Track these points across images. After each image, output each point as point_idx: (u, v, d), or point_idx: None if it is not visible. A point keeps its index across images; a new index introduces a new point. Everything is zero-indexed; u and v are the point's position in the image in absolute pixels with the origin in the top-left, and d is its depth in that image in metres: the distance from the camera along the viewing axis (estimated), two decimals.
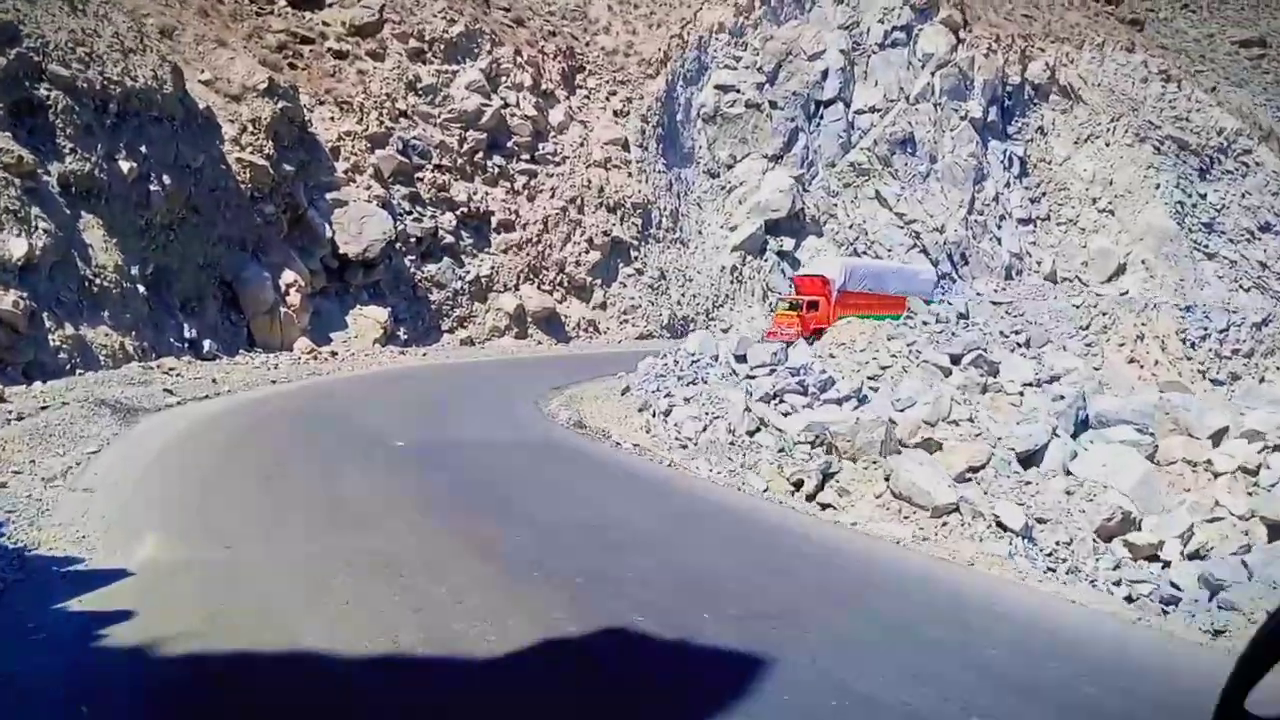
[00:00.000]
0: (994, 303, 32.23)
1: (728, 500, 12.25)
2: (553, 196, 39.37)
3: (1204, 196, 52.99)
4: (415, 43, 37.64)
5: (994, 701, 5.73)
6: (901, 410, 19.12)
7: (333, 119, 33.92)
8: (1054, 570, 11.94)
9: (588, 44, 46.32)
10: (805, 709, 5.54)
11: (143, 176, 23.72)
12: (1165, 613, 11.31)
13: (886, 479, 13.60)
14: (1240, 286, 51.10)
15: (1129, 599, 11.70)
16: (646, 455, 14.79)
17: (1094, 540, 13.22)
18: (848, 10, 51.78)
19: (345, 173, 33.00)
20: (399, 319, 32.64)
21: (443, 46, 38.17)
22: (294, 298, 28.58)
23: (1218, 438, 18.67)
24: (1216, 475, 17.43)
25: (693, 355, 23.05)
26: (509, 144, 38.85)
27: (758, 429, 16.38)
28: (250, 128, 29.14)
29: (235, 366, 23.93)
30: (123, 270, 22.02)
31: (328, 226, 31.22)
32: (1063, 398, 21.44)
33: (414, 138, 35.75)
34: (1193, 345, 29.07)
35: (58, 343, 18.92)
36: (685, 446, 15.63)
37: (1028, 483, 14.94)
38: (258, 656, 6.02)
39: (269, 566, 7.92)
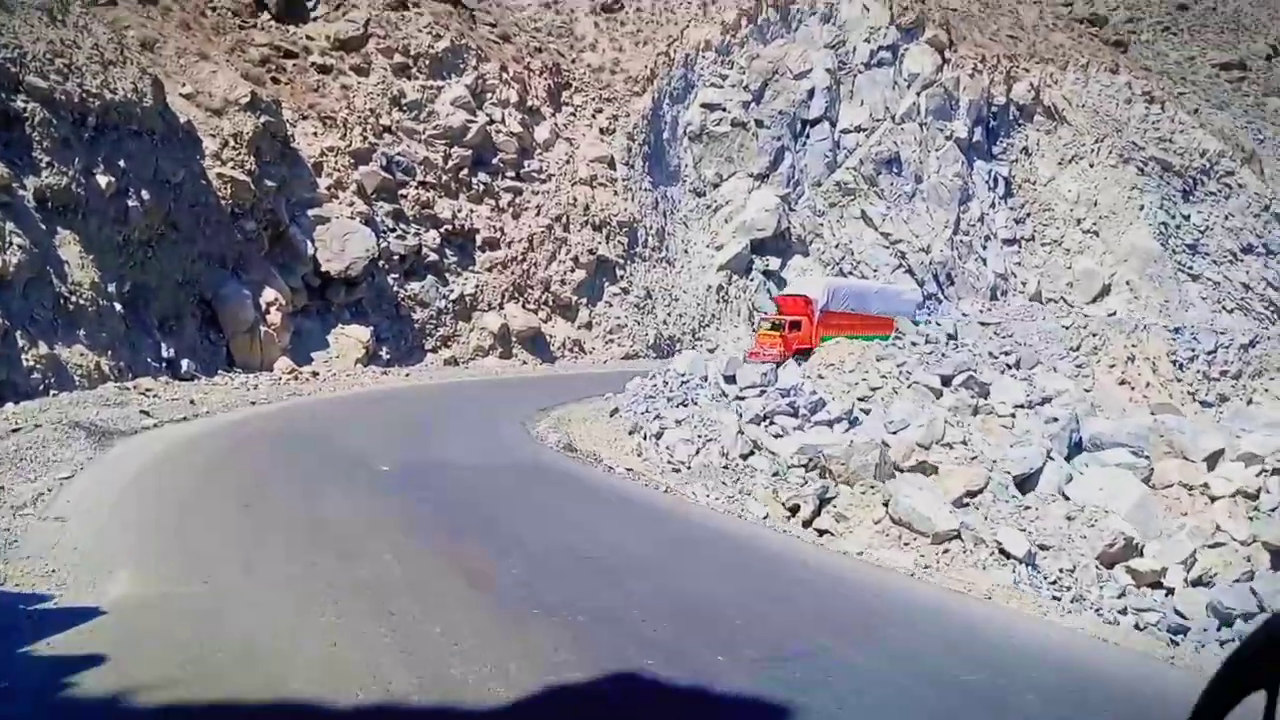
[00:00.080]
0: (982, 323, 32.16)
1: (727, 528, 11.89)
2: (538, 214, 39.05)
3: (1187, 218, 53.22)
4: (400, 58, 37.33)
5: None
6: (894, 432, 18.84)
7: (316, 134, 33.51)
8: (1059, 599, 11.65)
9: (574, 61, 46.16)
10: None
11: (121, 191, 23.23)
12: (1174, 642, 11.02)
13: (885, 504, 13.29)
14: (1224, 308, 51.27)
15: (1137, 627, 11.41)
16: (640, 480, 14.41)
17: (1097, 567, 12.94)
18: (834, 30, 51.87)
19: (328, 189, 32.57)
20: (381, 338, 32.15)
21: (428, 62, 37.87)
22: (274, 316, 28.08)
23: (1213, 461, 18.45)
24: (1214, 499, 17.20)
25: (682, 376, 22.72)
26: (494, 161, 38.53)
27: (751, 452, 16.05)
28: (232, 142, 28.71)
29: (214, 387, 23.41)
30: (99, 288, 21.51)
31: (309, 244, 30.75)
32: (1056, 420, 21.23)
33: (398, 154, 35.38)
34: (1181, 367, 29.03)
35: (31, 362, 18.39)
36: (678, 470, 15.27)
37: (1027, 507, 14.66)
38: (240, 708, 5.60)
39: (250, 603, 7.47)
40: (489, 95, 39.20)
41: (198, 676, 5.86)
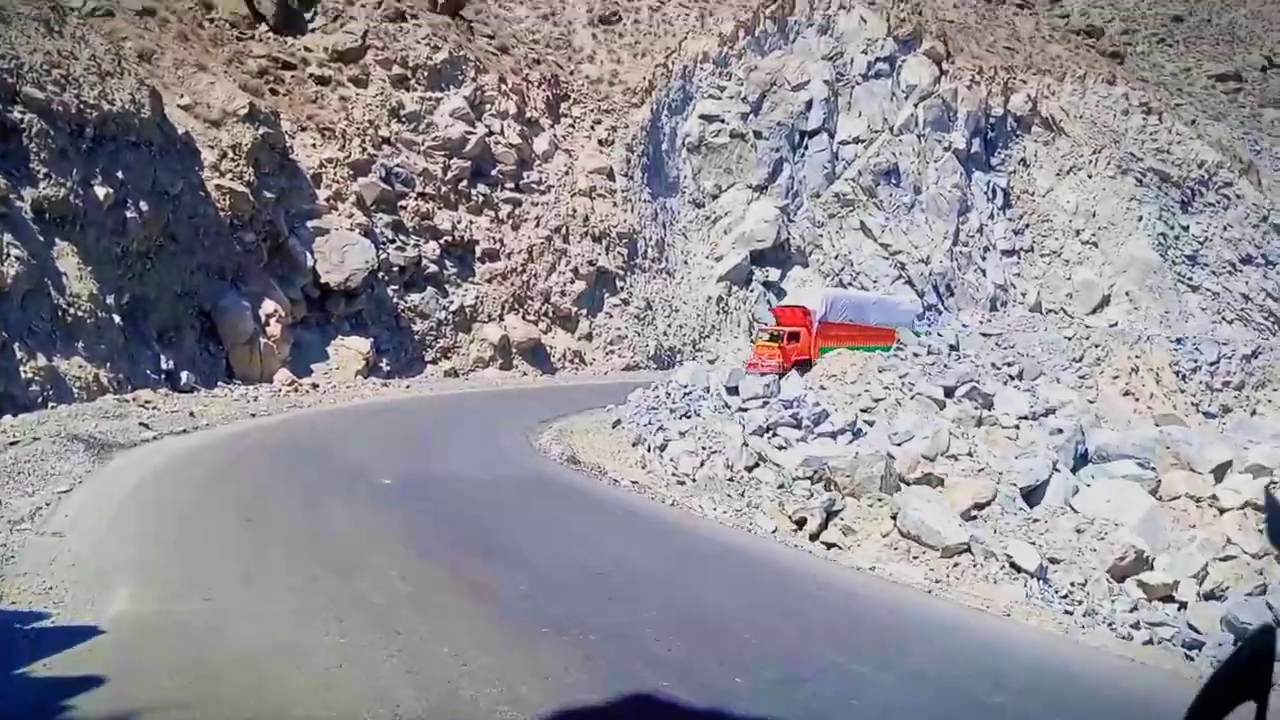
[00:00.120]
0: (984, 334, 32.03)
1: (736, 542, 11.69)
2: (537, 225, 38.96)
3: (1186, 228, 53.25)
4: (399, 69, 37.27)
5: None
6: (899, 444, 18.70)
7: (314, 146, 33.41)
8: (1071, 613, 11.49)
9: (572, 73, 46.15)
10: None
11: (119, 203, 23.09)
12: (1190, 658, 10.86)
13: (893, 517, 13.15)
14: (1224, 318, 51.24)
15: (1149, 642, 11.25)
16: (647, 493, 14.21)
17: (1108, 581, 12.79)
18: (831, 41, 51.94)
19: (327, 200, 32.45)
20: (381, 350, 31.99)
21: (426, 73, 37.81)
22: (274, 328, 27.92)
23: (1220, 472, 18.33)
24: (1222, 511, 17.07)
25: (684, 387, 22.57)
26: (493, 172, 38.46)
27: (756, 464, 15.90)
28: (230, 154, 28.59)
29: (214, 399, 23.23)
30: (98, 299, 21.35)
31: (309, 255, 30.61)
32: (1061, 431, 21.09)
33: (397, 165, 35.29)
34: (1184, 378, 28.91)
35: (29, 374, 18.22)
36: (683, 483, 15.11)
37: (1035, 520, 14.52)
38: None
39: (252, 620, 7.26)
40: (488, 107, 39.15)
41: (199, 699, 5.69)
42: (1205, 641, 11.45)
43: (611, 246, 40.76)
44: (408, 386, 30.38)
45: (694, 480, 15.15)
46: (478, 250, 36.65)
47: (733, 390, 22.69)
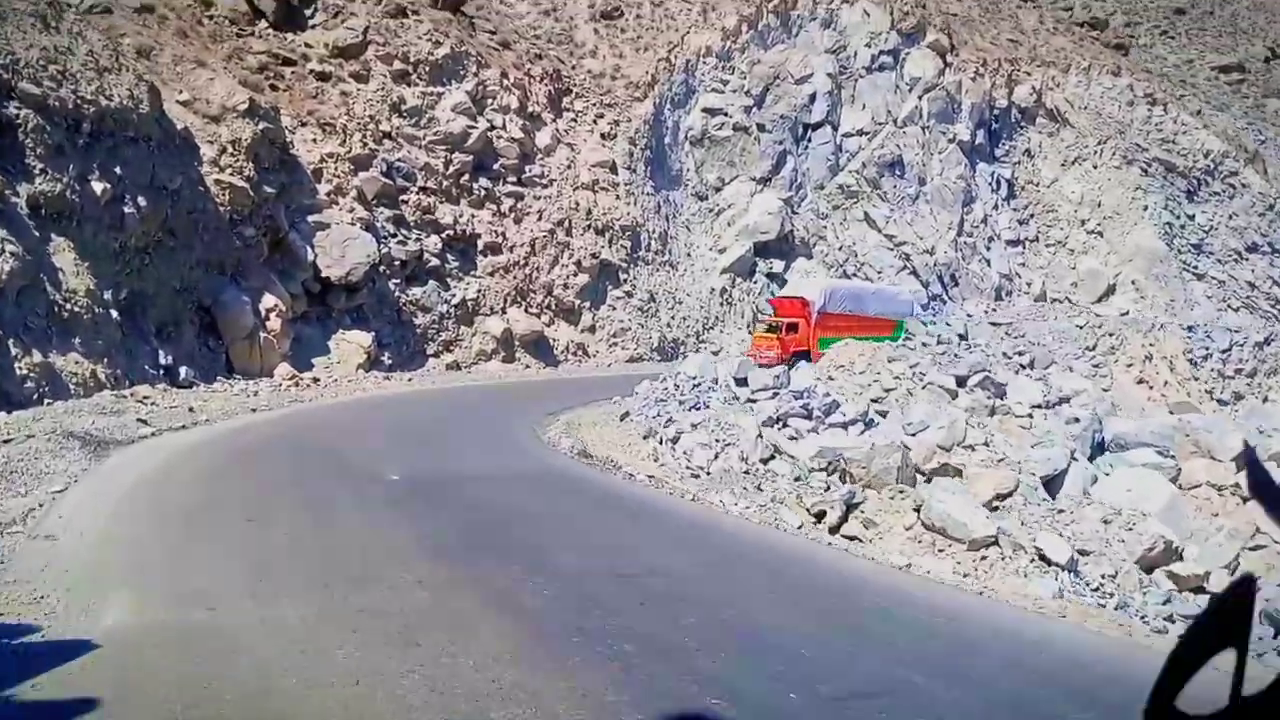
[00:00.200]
0: (993, 324, 31.68)
1: (766, 540, 11.13)
2: (540, 219, 38.58)
3: (1192, 218, 52.84)
4: (400, 64, 36.88)
5: None
6: (914, 434, 18.34)
7: (315, 141, 33.04)
8: (1104, 606, 11.11)
9: (574, 67, 45.74)
10: None
11: (117, 198, 22.73)
12: None
13: (916, 510, 12.77)
14: (1229, 306, 50.83)
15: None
16: (665, 488, 13.72)
17: (1138, 572, 12.42)
18: (834, 35, 51.51)
19: (328, 195, 32.08)
20: (383, 344, 31.63)
21: (427, 68, 37.42)
22: (274, 323, 27.56)
23: (1241, 460, 17.98)
24: (1246, 500, 16.73)
25: (693, 379, 22.20)
26: (495, 166, 38.07)
27: (772, 456, 15.52)
28: (230, 149, 28.22)
29: (213, 394, 22.87)
30: (95, 295, 20.99)
31: (309, 250, 30.25)
32: (1078, 420, 20.76)
33: (398, 160, 34.91)
34: (1196, 365, 28.56)
35: (25, 371, 17.86)
36: (697, 476, 14.73)
37: (1060, 511, 14.14)
38: None
39: (260, 634, 6.69)
40: (489, 101, 38.76)
41: None
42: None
43: (614, 239, 40.38)
44: (410, 380, 30.02)
45: (709, 473, 14.76)
46: (480, 244, 36.28)
47: (742, 382, 22.34)
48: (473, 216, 36.43)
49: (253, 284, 27.67)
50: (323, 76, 35.13)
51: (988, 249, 51.10)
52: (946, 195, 50.16)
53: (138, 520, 10.39)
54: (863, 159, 49.51)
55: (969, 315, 42.42)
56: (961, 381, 23.46)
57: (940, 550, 11.90)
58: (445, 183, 36.00)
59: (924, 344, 27.55)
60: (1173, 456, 18.63)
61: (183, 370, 23.57)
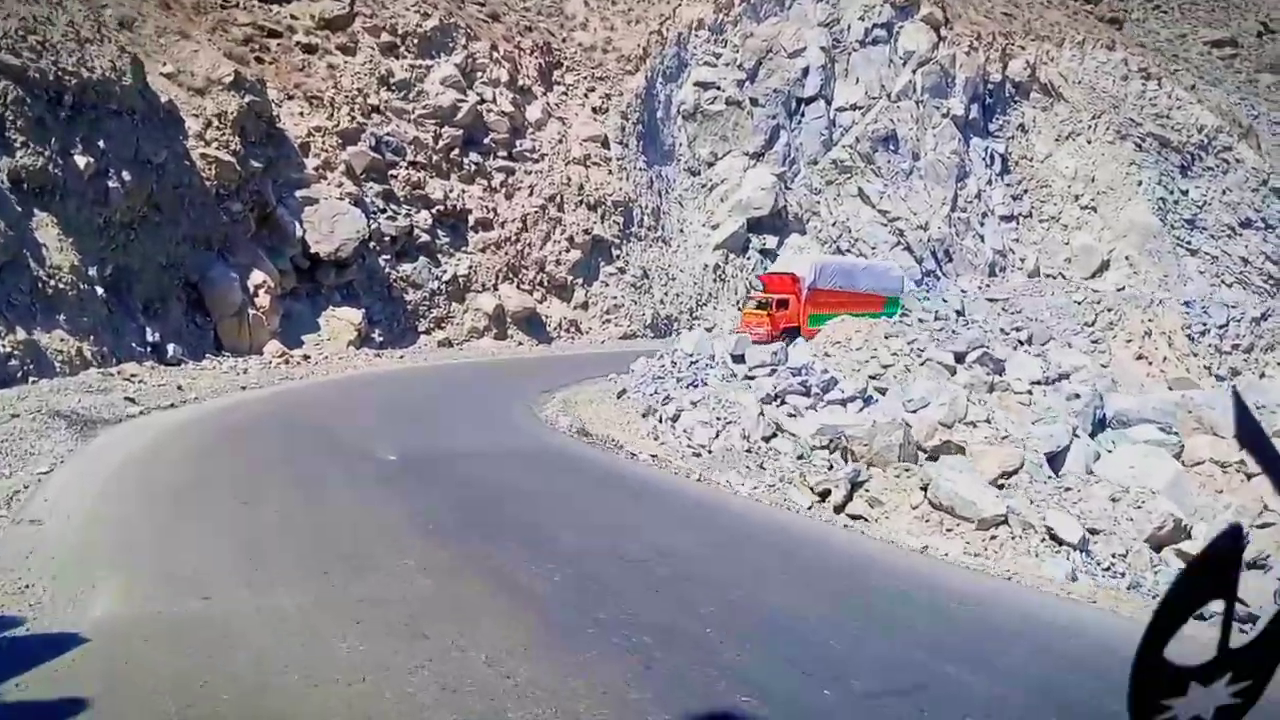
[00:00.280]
0: (990, 299, 31.49)
1: (778, 521, 10.83)
2: (531, 194, 38.11)
3: (1185, 193, 52.64)
4: (388, 36, 36.27)
5: None
6: (914, 411, 18.11)
7: (302, 114, 32.48)
8: (1127, 588, 10.91)
9: (565, 40, 45.09)
10: None
11: (101, 172, 22.23)
12: (1244, 631, 10.27)
13: (924, 488, 12.53)
14: (1223, 282, 50.75)
15: (1201, 617, 10.70)
16: (669, 467, 13.41)
17: (1149, 551, 12.23)
18: (827, 7, 50.89)
19: (316, 170, 31.56)
20: (374, 320, 31.23)
21: (416, 41, 36.81)
22: (263, 299, 27.13)
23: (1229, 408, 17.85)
24: (1250, 476, 16.58)
25: (690, 356, 21.91)
26: (485, 141, 37.55)
27: (774, 434, 15.26)
28: (215, 122, 27.67)
29: (202, 372, 22.48)
30: (79, 271, 20.54)
31: (298, 225, 29.77)
32: (1078, 396, 20.57)
33: (387, 134, 34.38)
34: (1193, 341, 28.44)
35: (8, 349, 17.44)
36: (698, 454, 14.46)
37: (1067, 489, 13.92)
38: None
39: (258, 625, 6.35)
40: (479, 74, 38.19)
41: None
42: (1258, 615, 10.87)
43: (607, 215, 39.94)
44: (401, 357, 29.67)
45: (710, 452, 14.49)
46: (471, 219, 35.82)
47: (739, 358, 22.07)
48: (463, 192, 35.95)
49: (240, 260, 27.21)
50: (309, 49, 34.52)
51: (981, 225, 50.84)
52: (940, 170, 49.82)
53: (126, 503, 10.05)
54: (856, 134, 49.08)
55: (963, 291, 42.27)
56: (960, 358, 23.25)
57: (948, 530, 11.68)
58: (435, 157, 35.50)
59: (921, 320, 27.33)
60: (1175, 433, 18.46)
61: (170, 348, 23.16)
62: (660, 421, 16.48)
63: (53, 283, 19.56)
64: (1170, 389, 24.47)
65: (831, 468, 14.44)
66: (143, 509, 9.83)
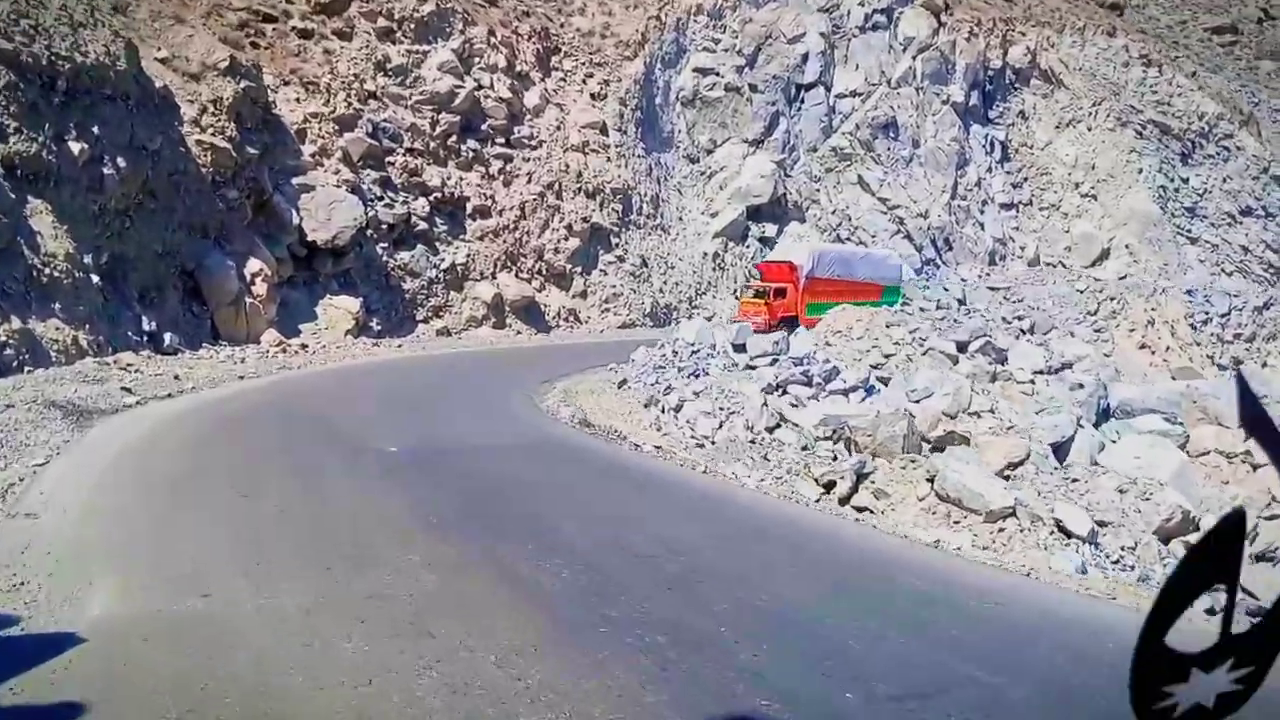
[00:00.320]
0: (991, 288, 31.34)
1: (787, 514, 10.66)
2: (529, 181, 37.86)
3: (1186, 181, 52.43)
4: (384, 21, 35.95)
5: None
6: (917, 401, 17.99)
7: (298, 100, 32.21)
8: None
9: (562, 25, 44.72)
10: None
11: (95, 159, 21.98)
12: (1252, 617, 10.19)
13: (930, 480, 12.40)
14: (1223, 271, 50.62)
15: (1210, 611, 10.59)
16: (674, 459, 13.24)
17: (1157, 543, 12.11)
18: None
19: (312, 156, 31.32)
20: (371, 309, 31.03)
21: (413, 25, 36.49)
22: (260, 287, 26.92)
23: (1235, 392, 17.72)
24: (1256, 467, 16.47)
25: (691, 345, 21.76)
26: (483, 127, 37.27)
27: (777, 425, 15.11)
28: (211, 108, 27.41)
29: (199, 361, 22.30)
30: (74, 259, 20.33)
31: (294, 212, 29.54)
32: (1082, 386, 20.45)
33: (384, 120, 34.10)
34: (1196, 330, 28.31)
35: (3, 338, 17.26)
36: (702, 445, 14.32)
37: (1073, 480, 13.78)
38: None
39: (260, 624, 6.17)
40: (476, 60, 37.87)
41: None
42: (1266, 608, 10.77)
43: (605, 203, 39.69)
44: (399, 346, 29.47)
45: (714, 443, 14.35)
46: (468, 207, 35.58)
47: (740, 348, 21.93)
48: (461, 179, 35.70)
49: (237, 248, 26.99)
50: (305, 34, 34.21)
51: (981, 212, 50.65)
52: (940, 158, 49.59)
53: (124, 497, 9.86)
54: (856, 120, 48.81)
55: (963, 280, 42.13)
56: (962, 347, 23.13)
57: (955, 522, 11.55)
58: (432, 144, 35.23)
59: (922, 309, 27.19)
60: (1180, 423, 18.34)
61: (167, 337, 22.96)
62: (663, 412, 16.34)
63: (48, 271, 19.35)
64: (1173, 379, 24.33)
65: (835, 458, 14.31)
66: (140, 502, 9.65)
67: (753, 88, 47.07)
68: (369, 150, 32.88)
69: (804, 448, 14.37)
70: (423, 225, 33.78)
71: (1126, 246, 49.99)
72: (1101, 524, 12.00)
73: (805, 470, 13.23)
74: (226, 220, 27.05)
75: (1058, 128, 52.95)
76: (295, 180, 30.04)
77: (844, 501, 12.60)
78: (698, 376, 18.93)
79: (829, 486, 12.90)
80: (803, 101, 48.52)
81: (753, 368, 20.60)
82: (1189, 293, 29.82)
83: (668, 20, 46.18)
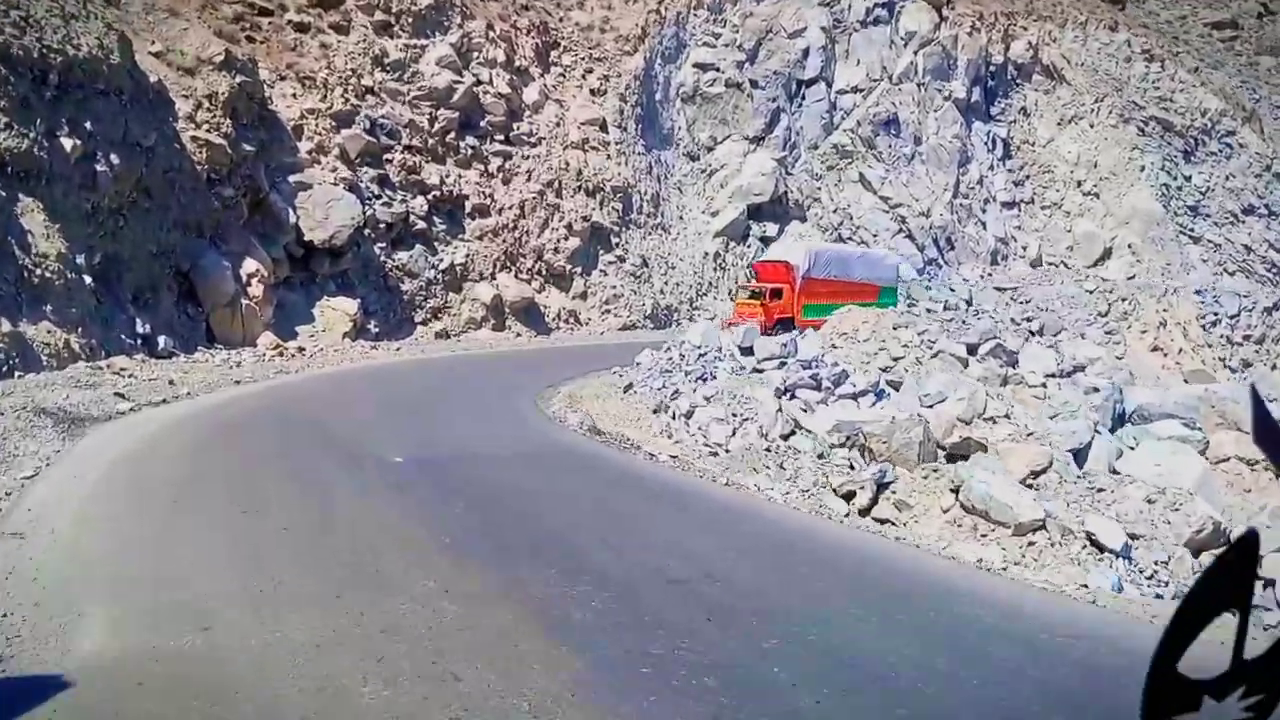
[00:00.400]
0: (998, 288, 30.91)
1: (819, 533, 10.12)
2: (529, 179, 37.37)
3: (1189, 179, 52.06)
4: (381, 15, 35.41)
5: None
6: (931, 406, 17.58)
7: (295, 96, 31.68)
8: (1161, 597, 10.38)
9: (562, 19, 44.19)
10: None
11: (88, 155, 21.47)
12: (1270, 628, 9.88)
13: (954, 490, 11.98)
14: (1225, 270, 50.29)
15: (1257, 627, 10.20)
16: (691, 470, 12.74)
17: (1190, 558, 11.70)
18: None
19: (309, 153, 30.80)
20: (369, 311, 30.53)
21: (410, 19, 35.95)
22: (256, 288, 26.41)
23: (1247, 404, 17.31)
24: (1278, 475, 16.11)
25: (698, 348, 21.31)
26: (482, 124, 36.76)
27: (792, 431, 14.68)
28: (206, 104, 26.88)
29: (194, 365, 21.81)
30: (66, 259, 19.82)
31: (291, 211, 29.01)
32: (1097, 390, 20.07)
33: (382, 116, 33.58)
34: (1207, 331, 27.92)
35: None
36: (715, 453, 13.88)
37: (1099, 490, 13.37)
38: None
39: (266, 664, 5.64)
40: (475, 55, 37.36)
41: None
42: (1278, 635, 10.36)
43: (606, 201, 39.20)
44: (398, 349, 28.97)
45: (728, 451, 13.91)
46: (467, 206, 35.08)
47: (747, 351, 21.48)
48: (459, 177, 35.20)
49: (233, 248, 26.47)
50: (301, 27, 33.67)
51: (983, 211, 50.24)
52: (942, 155, 49.18)
53: (117, 515, 9.37)
54: (857, 117, 48.37)
55: (965, 280, 41.72)
56: (972, 350, 22.73)
57: (983, 535, 11.14)
58: (431, 141, 34.73)
59: (929, 310, 26.76)
60: (1199, 429, 17.95)
61: (161, 340, 22.46)
62: (673, 418, 15.88)
63: (39, 272, 18.86)
64: (1186, 382, 23.92)
65: (852, 466, 13.89)
66: (134, 520, 9.17)
67: (753, 83, 46.61)
68: (366, 147, 32.37)
69: (819, 455, 13.94)
70: (421, 224, 33.29)
71: (1129, 246, 49.64)
72: (1133, 536, 11.59)
73: (827, 481, 12.80)
74: (222, 219, 26.54)
75: (1060, 124, 52.56)
76: (292, 178, 29.53)
77: (864, 513, 12.19)
78: (706, 380, 18.48)
79: (848, 497, 12.49)
80: (803, 97, 48.07)
81: (760, 371, 20.17)
82: (1198, 293, 29.40)
83: (668, 14, 45.68)
